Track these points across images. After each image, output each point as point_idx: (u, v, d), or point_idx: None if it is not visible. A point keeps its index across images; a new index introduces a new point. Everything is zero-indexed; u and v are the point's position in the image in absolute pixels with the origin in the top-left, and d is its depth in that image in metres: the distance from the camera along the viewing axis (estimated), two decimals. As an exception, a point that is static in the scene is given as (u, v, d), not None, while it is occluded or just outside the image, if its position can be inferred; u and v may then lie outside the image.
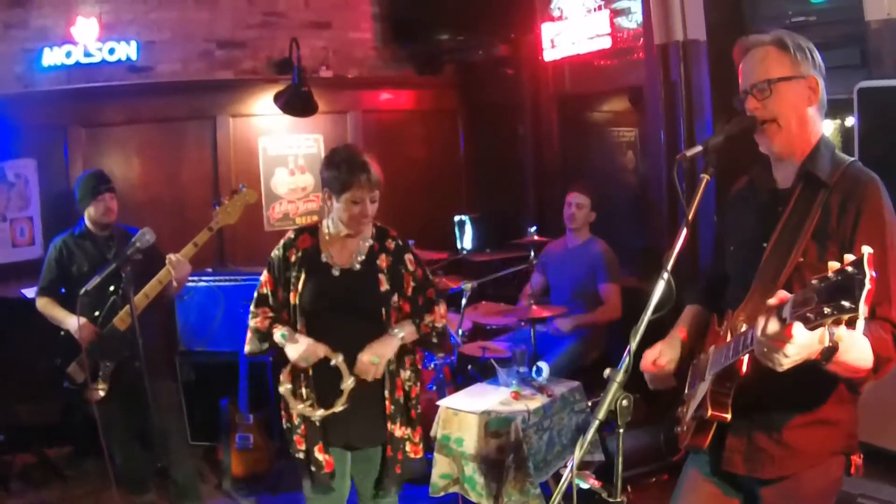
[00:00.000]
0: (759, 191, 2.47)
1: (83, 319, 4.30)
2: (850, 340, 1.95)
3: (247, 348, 3.62)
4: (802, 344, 1.85)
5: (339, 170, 3.37)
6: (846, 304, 1.64)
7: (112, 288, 4.36)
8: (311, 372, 3.42)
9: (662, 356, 2.55)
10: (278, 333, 3.42)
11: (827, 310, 1.68)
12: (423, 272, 3.59)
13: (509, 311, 5.43)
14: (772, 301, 1.88)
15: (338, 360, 3.33)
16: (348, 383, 3.33)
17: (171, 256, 4.25)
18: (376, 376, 3.38)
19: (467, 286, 5.55)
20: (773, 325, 1.86)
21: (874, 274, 1.63)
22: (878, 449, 3.61)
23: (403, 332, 3.44)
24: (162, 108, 6.68)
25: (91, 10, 6.46)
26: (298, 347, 3.34)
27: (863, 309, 1.63)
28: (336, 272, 3.47)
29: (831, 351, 1.92)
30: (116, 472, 4.45)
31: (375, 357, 3.34)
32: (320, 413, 3.38)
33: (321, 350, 3.34)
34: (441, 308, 3.58)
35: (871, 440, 3.54)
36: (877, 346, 2.05)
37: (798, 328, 1.80)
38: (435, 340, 3.56)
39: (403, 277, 3.52)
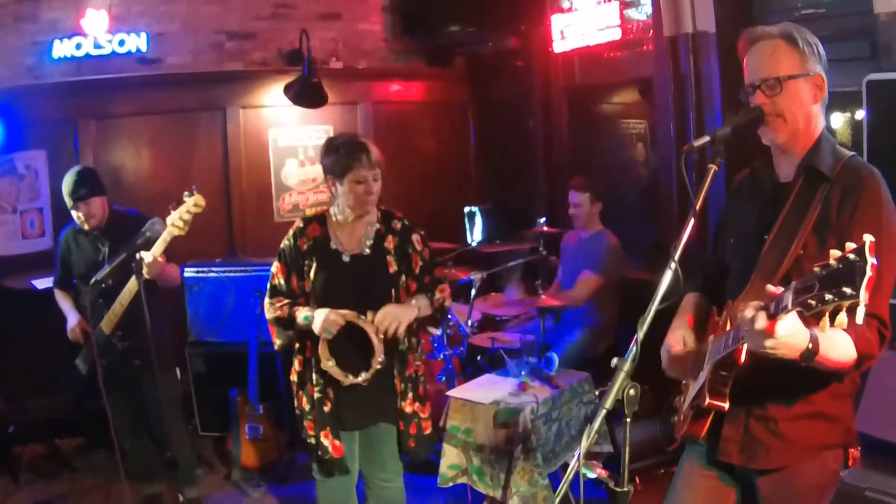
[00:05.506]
0: (761, 184, 2.47)
1: (79, 317, 4.34)
2: (831, 343, 2.00)
3: (276, 343, 3.66)
4: (784, 338, 1.91)
5: (339, 153, 3.43)
6: (847, 290, 1.66)
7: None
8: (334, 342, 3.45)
9: (685, 342, 2.55)
10: (301, 315, 3.45)
11: (828, 296, 1.69)
12: (430, 251, 3.65)
13: (518, 301, 5.44)
14: (753, 304, 1.94)
15: (364, 321, 3.37)
16: (379, 359, 3.38)
17: (143, 255, 4.04)
18: (397, 335, 3.41)
19: (477, 277, 5.56)
20: (761, 322, 1.91)
21: (875, 261, 1.64)
22: (886, 442, 3.60)
23: (420, 304, 3.50)
24: (172, 100, 6.69)
25: (101, 1, 6.47)
26: (318, 319, 3.37)
27: (864, 296, 1.65)
28: (346, 258, 3.52)
29: (811, 354, 1.97)
30: (125, 464, 4.45)
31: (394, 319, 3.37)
32: (350, 379, 3.41)
33: (341, 318, 3.36)
34: (446, 286, 3.65)
35: (879, 434, 3.54)
36: (860, 345, 2.08)
37: (781, 324, 1.87)
38: (438, 316, 3.64)
39: (411, 257, 3.57)
